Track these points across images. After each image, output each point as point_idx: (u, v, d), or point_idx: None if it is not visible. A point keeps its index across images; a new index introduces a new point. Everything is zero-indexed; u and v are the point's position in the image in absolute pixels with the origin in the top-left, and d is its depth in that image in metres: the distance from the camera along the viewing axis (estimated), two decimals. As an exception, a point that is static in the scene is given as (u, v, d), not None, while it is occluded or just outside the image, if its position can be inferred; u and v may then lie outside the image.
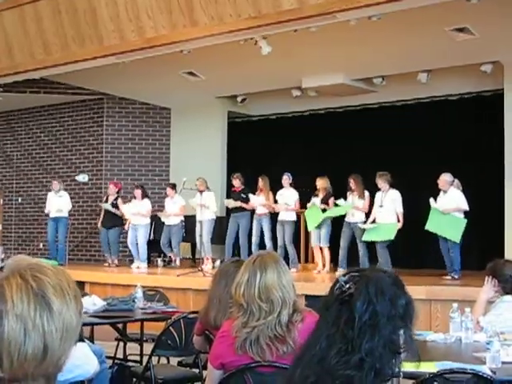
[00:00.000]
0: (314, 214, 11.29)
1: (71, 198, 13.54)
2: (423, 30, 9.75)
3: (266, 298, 3.09)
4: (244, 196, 12.00)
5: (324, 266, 11.28)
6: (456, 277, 9.93)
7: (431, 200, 10.20)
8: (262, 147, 14.62)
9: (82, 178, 14.83)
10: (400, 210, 10.47)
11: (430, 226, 10.17)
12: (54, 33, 10.46)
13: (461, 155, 12.30)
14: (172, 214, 12.57)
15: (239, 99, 14.31)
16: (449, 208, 10.06)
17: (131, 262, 12.95)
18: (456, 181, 10.28)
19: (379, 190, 10.73)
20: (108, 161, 14.95)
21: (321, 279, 10.45)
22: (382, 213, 10.57)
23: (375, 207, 10.71)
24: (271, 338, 3.07)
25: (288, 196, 11.64)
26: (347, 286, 1.80)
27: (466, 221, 10.00)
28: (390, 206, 10.52)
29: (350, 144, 13.57)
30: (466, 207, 10.06)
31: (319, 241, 11.33)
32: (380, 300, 1.77)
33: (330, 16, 8.37)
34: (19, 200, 15.97)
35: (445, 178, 10.24)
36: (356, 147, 13.41)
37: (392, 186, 10.62)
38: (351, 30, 9.44)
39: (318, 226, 11.24)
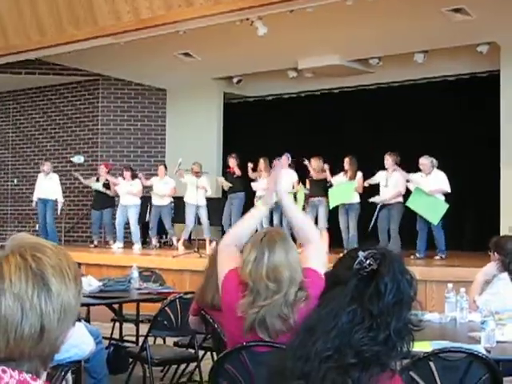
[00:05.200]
0: (300, 197, 11.34)
1: (67, 180, 13.48)
2: (420, 10, 9.71)
3: (274, 277, 3.01)
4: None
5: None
6: (443, 256, 10.01)
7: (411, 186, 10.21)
8: (257, 128, 14.57)
9: (78, 159, 14.76)
10: (403, 190, 10.42)
11: (412, 203, 10.13)
12: (49, 13, 10.40)
13: (456, 136, 12.30)
14: (166, 195, 12.47)
15: (235, 80, 14.25)
16: (432, 189, 10.04)
17: (130, 243, 12.84)
18: (434, 160, 10.24)
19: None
20: (103, 142, 14.90)
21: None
22: (387, 193, 10.51)
23: (380, 187, 10.63)
24: (276, 317, 2.99)
25: (286, 177, 11.57)
26: (367, 261, 1.80)
27: (447, 205, 9.96)
28: (394, 186, 10.48)
29: (346, 125, 13.53)
30: (448, 189, 10.05)
31: (315, 223, 11.33)
32: (402, 278, 1.79)
33: (326, -4, 8.34)
34: (15, 181, 15.93)
35: (426, 162, 10.17)
36: (352, 128, 13.38)
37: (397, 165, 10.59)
38: (348, 11, 9.40)
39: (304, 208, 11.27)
